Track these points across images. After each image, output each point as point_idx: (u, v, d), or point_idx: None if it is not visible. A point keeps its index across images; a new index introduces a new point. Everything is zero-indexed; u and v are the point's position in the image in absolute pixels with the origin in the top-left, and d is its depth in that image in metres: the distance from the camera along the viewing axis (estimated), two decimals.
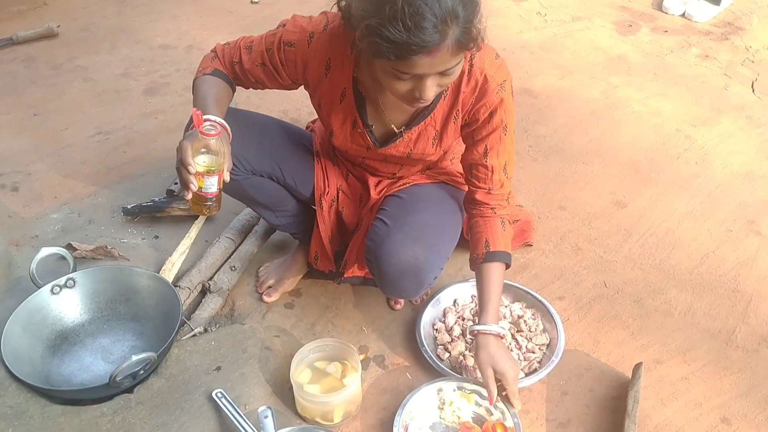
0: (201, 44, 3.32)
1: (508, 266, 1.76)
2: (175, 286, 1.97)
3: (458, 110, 1.64)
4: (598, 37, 3.42)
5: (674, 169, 2.58)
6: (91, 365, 1.84)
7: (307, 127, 2.08)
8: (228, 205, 2.36)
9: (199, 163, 1.47)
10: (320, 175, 1.91)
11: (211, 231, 2.27)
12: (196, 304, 2.04)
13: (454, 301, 2.04)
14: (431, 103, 1.57)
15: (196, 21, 3.54)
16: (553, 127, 2.81)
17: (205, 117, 1.48)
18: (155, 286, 1.91)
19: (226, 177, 1.51)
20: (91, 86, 3.05)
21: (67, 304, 1.89)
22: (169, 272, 2.07)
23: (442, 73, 1.41)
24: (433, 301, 2.00)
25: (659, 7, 3.65)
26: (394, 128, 1.71)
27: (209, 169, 1.48)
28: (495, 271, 1.72)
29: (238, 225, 2.26)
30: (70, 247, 2.09)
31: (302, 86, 1.75)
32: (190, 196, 1.50)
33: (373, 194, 1.89)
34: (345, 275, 1.97)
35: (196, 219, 2.28)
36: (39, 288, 1.85)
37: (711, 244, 2.27)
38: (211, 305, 2.02)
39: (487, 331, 1.68)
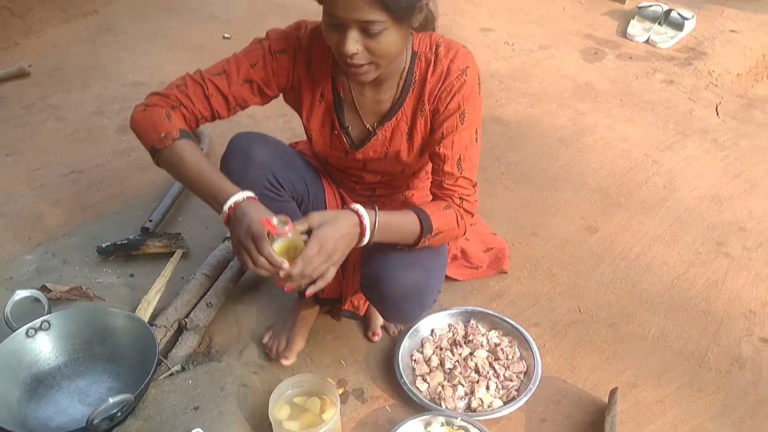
0: (171, 79, 3.33)
1: (422, 232, 1.61)
2: (151, 325, 1.97)
3: (424, 101, 1.66)
4: (565, 65, 3.49)
5: (643, 194, 2.63)
6: (67, 408, 1.82)
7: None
8: (203, 240, 2.39)
9: (276, 247, 1.45)
10: (331, 197, 1.93)
11: (187, 268, 2.27)
12: (173, 343, 2.03)
13: (432, 331, 2.06)
14: (399, 96, 1.63)
15: (169, 57, 3.56)
16: (523, 155, 2.85)
17: (266, 219, 1.41)
18: (131, 325, 1.90)
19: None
20: (64, 125, 3.05)
21: (42, 346, 1.88)
22: (145, 311, 2.07)
23: (365, 30, 1.43)
24: (410, 332, 2.02)
25: (623, 34, 3.74)
26: (369, 127, 1.73)
27: (291, 247, 1.47)
28: (410, 215, 1.61)
29: (214, 261, 2.26)
30: (44, 288, 2.08)
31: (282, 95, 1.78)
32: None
33: None
34: (344, 308, 1.98)
35: (171, 256, 2.28)
36: (14, 331, 1.84)
37: (681, 267, 2.31)
38: (188, 343, 2.01)
39: (358, 212, 1.52)
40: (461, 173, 1.66)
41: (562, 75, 3.41)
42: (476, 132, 1.67)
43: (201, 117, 1.69)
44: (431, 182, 1.73)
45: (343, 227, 1.50)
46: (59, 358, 1.90)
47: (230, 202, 1.51)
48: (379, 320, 2.05)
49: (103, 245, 2.33)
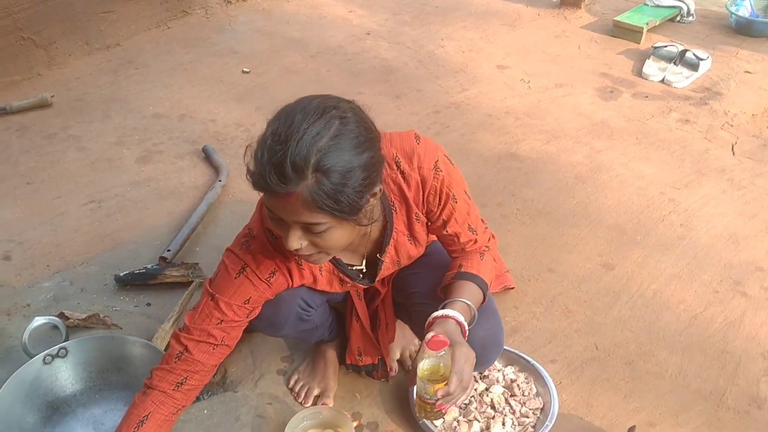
0: (193, 113, 3.39)
1: (483, 294, 1.68)
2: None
3: (416, 213, 1.64)
4: (581, 102, 3.52)
5: (659, 232, 2.63)
6: None
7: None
8: None
9: (424, 369, 1.53)
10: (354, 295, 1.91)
11: None
12: None
13: None
14: (387, 223, 1.61)
15: (189, 90, 3.61)
16: (539, 191, 2.86)
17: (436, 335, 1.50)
18: (147, 354, 1.91)
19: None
20: (84, 155, 3.09)
21: (59, 373, 1.89)
22: (162, 340, 2.07)
23: (307, 229, 1.34)
24: None
25: (639, 73, 3.77)
26: (370, 259, 1.71)
27: (438, 375, 1.53)
28: (466, 285, 1.66)
29: None
30: (62, 316, 2.09)
31: None
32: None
33: (380, 288, 1.88)
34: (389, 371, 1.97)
35: (188, 286, 2.29)
36: (31, 358, 1.85)
37: (699, 306, 2.30)
38: None
39: (445, 315, 1.57)
40: (476, 234, 1.72)
41: (578, 113, 3.43)
42: (466, 193, 1.67)
43: (215, 366, 1.62)
44: (451, 253, 1.76)
45: (459, 337, 1.56)
46: (75, 385, 1.90)
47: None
48: (396, 355, 2.04)
49: (121, 274, 2.34)
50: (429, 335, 1.51)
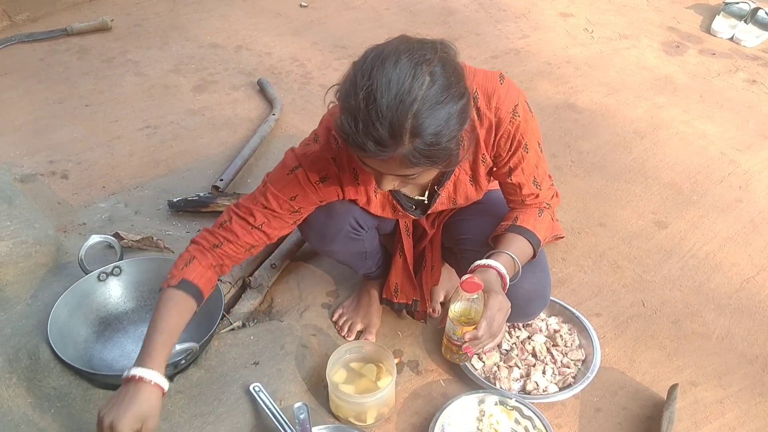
0: (250, 45, 3.38)
1: (534, 251, 1.66)
2: (218, 280, 2.00)
3: (484, 154, 1.60)
4: (645, 56, 3.41)
5: (717, 193, 2.56)
6: (132, 352, 1.87)
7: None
8: None
9: (456, 310, 1.54)
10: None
11: None
12: (236, 299, 2.07)
13: None
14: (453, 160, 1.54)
15: (246, 21, 3.60)
16: (596, 144, 2.80)
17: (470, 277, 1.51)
18: None
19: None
20: (142, 81, 3.11)
21: (112, 291, 1.94)
22: None
23: (401, 176, 1.37)
24: None
25: (707, 29, 3.63)
26: (429, 191, 1.69)
27: (469, 318, 1.54)
28: (517, 238, 1.64)
29: None
30: (117, 236, 2.14)
31: None
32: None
33: (429, 229, 1.88)
34: (422, 310, 1.97)
35: None
36: (87, 274, 1.90)
37: (751, 270, 2.25)
38: (251, 301, 2.05)
39: (488, 264, 1.57)
40: (539, 189, 1.66)
41: (641, 66, 3.33)
42: (539, 145, 1.62)
43: (250, 247, 1.63)
44: (510, 203, 1.72)
45: (497, 287, 1.55)
46: (128, 303, 1.96)
47: (135, 372, 1.41)
48: (440, 297, 2.05)
49: (175, 200, 2.38)
50: (465, 277, 1.52)
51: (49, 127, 2.81)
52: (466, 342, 1.53)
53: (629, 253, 2.30)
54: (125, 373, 1.41)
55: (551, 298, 2.04)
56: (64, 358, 1.70)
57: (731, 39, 3.58)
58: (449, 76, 1.27)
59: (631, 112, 2.99)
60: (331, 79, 3.15)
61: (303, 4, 3.77)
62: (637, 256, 2.29)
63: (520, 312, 1.77)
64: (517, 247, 1.63)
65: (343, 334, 2.00)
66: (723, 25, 3.64)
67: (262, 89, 3.07)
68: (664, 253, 2.31)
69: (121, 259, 1.97)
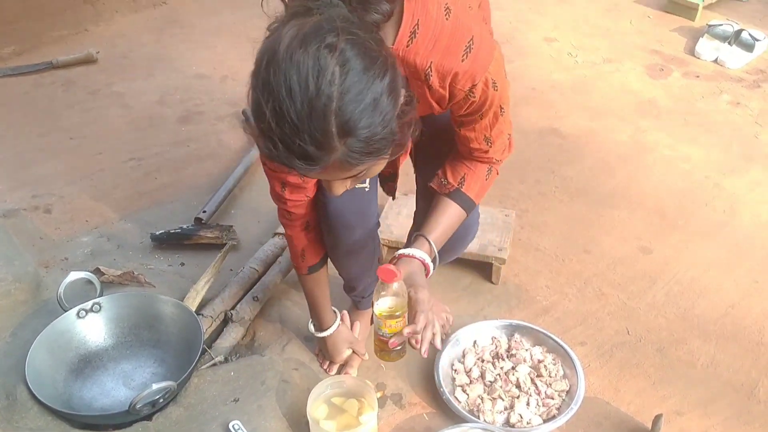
0: (236, 75, 3.39)
1: (468, 212, 1.62)
2: (198, 315, 1.99)
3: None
4: (629, 79, 3.43)
5: (702, 217, 2.56)
6: (112, 390, 1.86)
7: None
8: (254, 234, 2.42)
9: (382, 306, 1.52)
10: None
11: (236, 260, 2.30)
12: (218, 333, 2.05)
13: (474, 343, 2.04)
14: None
15: (232, 52, 3.61)
16: (580, 169, 2.81)
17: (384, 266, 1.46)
18: (179, 313, 1.93)
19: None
20: (127, 112, 3.12)
21: (92, 328, 1.92)
22: (193, 300, 2.09)
23: (351, 178, 1.24)
24: (452, 341, 2.00)
25: (691, 52, 3.65)
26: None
27: (393, 312, 1.52)
28: (453, 209, 1.59)
29: (263, 255, 2.28)
30: (98, 271, 2.13)
31: None
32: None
33: None
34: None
35: (222, 248, 2.31)
36: (65, 311, 1.89)
37: (736, 295, 2.24)
38: (233, 335, 2.04)
39: (411, 254, 1.52)
40: (490, 146, 1.52)
41: (625, 90, 3.34)
42: (501, 110, 1.44)
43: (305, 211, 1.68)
44: (459, 147, 1.58)
45: (420, 276, 1.53)
46: (107, 340, 1.94)
47: (325, 334, 1.90)
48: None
49: (157, 233, 2.37)
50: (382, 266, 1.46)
51: (33, 161, 2.80)
52: (392, 337, 1.53)
53: (614, 280, 2.30)
54: (318, 335, 1.93)
55: (534, 326, 2.03)
56: (40, 398, 1.68)
57: (715, 61, 3.60)
58: (363, 56, 1.09)
59: (615, 137, 3.00)
60: None
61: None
62: (621, 283, 2.29)
63: (449, 253, 1.82)
64: (446, 225, 1.59)
65: (324, 367, 1.99)
66: (707, 47, 3.66)
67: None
68: (648, 279, 2.30)
69: (101, 295, 1.95)
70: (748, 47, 3.61)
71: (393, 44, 1.26)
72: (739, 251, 2.41)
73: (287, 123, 1.06)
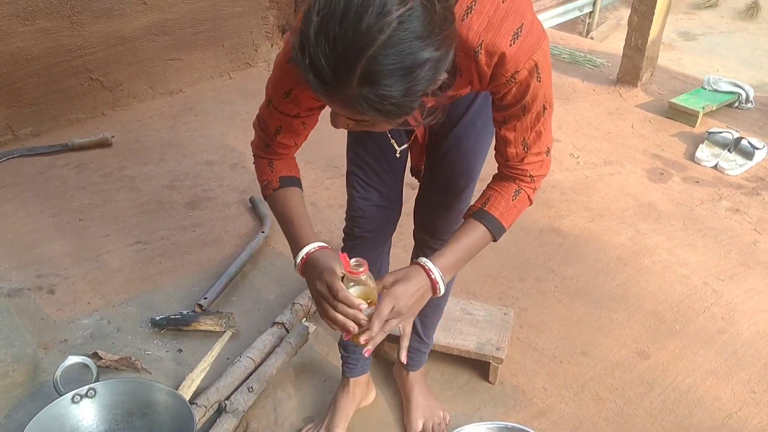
0: (245, 162, 3.47)
1: (494, 238, 1.52)
2: (192, 404, 1.99)
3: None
4: (629, 182, 3.50)
5: (699, 323, 2.57)
6: None
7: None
8: (253, 322, 2.43)
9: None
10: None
11: (234, 348, 2.31)
12: (212, 423, 2.04)
13: None
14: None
15: (243, 140, 3.71)
16: (579, 269, 2.84)
17: (343, 255, 1.38)
18: (172, 402, 1.93)
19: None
20: (136, 196, 3.18)
21: (85, 414, 1.92)
22: (188, 388, 2.10)
23: (355, 121, 1.24)
24: None
25: (691, 157, 3.73)
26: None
27: (367, 300, 1.42)
28: (476, 230, 1.50)
29: (260, 345, 2.29)
30: (95, 355, 2.14)
31: None
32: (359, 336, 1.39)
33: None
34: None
35: (221, 335, 2.32)
36: (61, 395, 1.89)
37: (734, 405, 2.23)
38: (225, 426, 2.02)
39: (425, 267, 1.43)
40: (527, 152, 1.46)
41: (625, 192, 3.41)
42: (543, 110, 1.42)
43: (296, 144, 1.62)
44: (495, 154, 1.53)
45: (415, 285, 1.42)
46: (100, 426, 1.94)
47: (302, 254, 1.47)
48: (418, 426, 2.06)
49: (157, 318, 2.39)
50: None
51: (40, 240, 2.85)
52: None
53: (611, 384, 2.29)
54: (296, 262, 1.48)
55: (529, 430, 2.00)
56: None
57: (715, 167, 3.67)
58: (426, 23, 1.09)
59: (614, 238, 3.04)
60: (322, 196, 3.23)
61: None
62: (618, 388, 2.28)
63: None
64: (467, 242, 1.50)
65: None
66: (707, 153, 3.74)
67: (253, 206, 3.13)
68: (646, 385, 2.29)
69: (97, 380, 1.97)
70: (748, 155, 3.69)
71: None
72: (737, 360, 2.41)
73: (323, 38, 1.06)
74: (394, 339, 2.16)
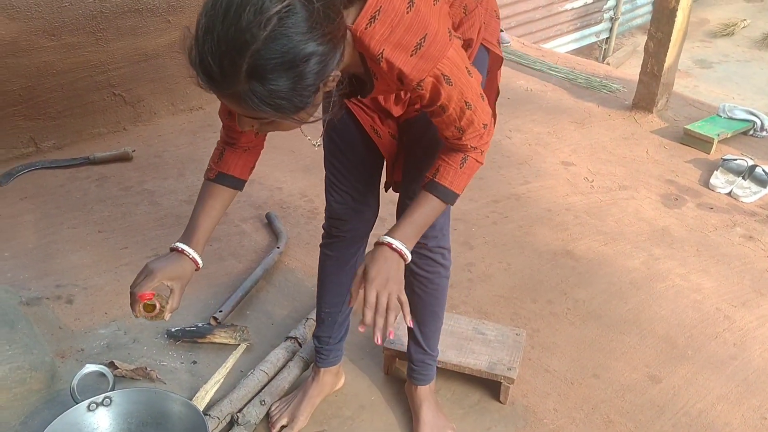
0: (262, 179, 3.52)
1: (448, 204, 1.61)
2: (205, 415, 2.01)
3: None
4: (643, 207, 3.51)
5: (711, 349, 2.57)
6: None
7: None
8: (267, 336, 2.46)
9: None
10: (357, 111, 1.79)
11: (248, 362, 2.34)
12: None
13: None
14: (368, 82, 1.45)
15: (261, 156, 3.75)
16: (592, 293, 2.85)
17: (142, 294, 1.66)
18: (186, 413, 1.95)
19: (166, 317, 1.70)
20: (155, 210, 3.23)
21: (101, 422, 1.94)
22: (201, 400, 2.12)
23: (257, 120, 1.29)
24: None
25: (705, 184, 3.75)
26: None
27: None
28: (429, 201, 1.58)
29: (274, 359, 2.31)
30: (112, 365, 2.17)
31: None
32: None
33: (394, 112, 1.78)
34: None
35: (235, 348, 2.35)
36: (77, 403, 1.92)
37: (744, 431, 2.22)
38: None
39: (383, 242, 1.52)
40: (462, 134, 1.52)
41: (639, 217, 3.42)
42: (466, 104, 1.46)
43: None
44: (439, 135, 1.59)
45: (381, 260, 1.51)
46: None
47: (178, 244, 1.70)
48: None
49: (173, 329, 2.42)
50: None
51: (60, 251, 2.90)
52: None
53: (622, 407, 2.29)
54: (172, 245, 1.68)
55: None
56: None
57: (729, 194, 3.68)
58: (307, 20, 1.16)
59: (627, 263, 3.05)
60: None
61: (315, 143, 3.94)
62: (629, 411, 2.28)
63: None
64: (422, 211, 1.57)
65: (272, 428, 2.10)
66: (721, 180, 3.75)
67: (270, 222, 3.17)
68: (657, 409, 2.29)
69: (113, 388, 1.99)
70: (762, 182, 3.70)
71: (353, 24, 1.30)
72: (748, 386, 2.41)
73: (210, 38, 1.14)
74: (405, 356, 2.18)
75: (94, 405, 1.94)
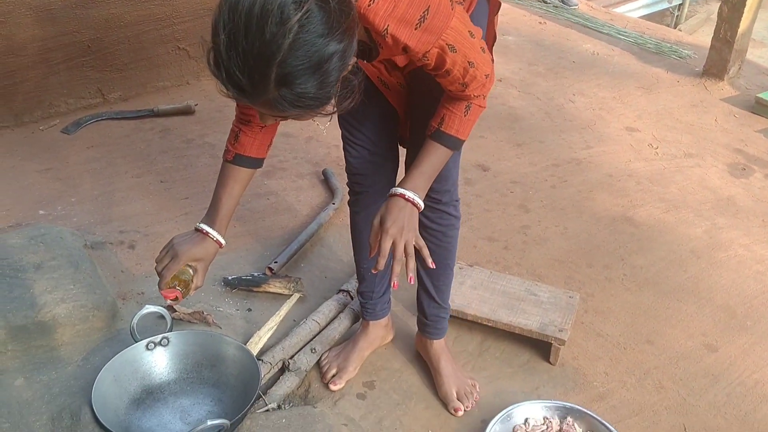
0: (320, 136, 3.54)
1: (455, 149, 1.65)
2: (258, 360, 2.06)
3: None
4: (709, 175, 3.41)
5: None
6: (168, 423, 1.93)
7: None
8: (320, 288, 2.49)
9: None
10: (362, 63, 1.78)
11: (300, 312, 2.37)
12: (274, 380, 2.12)
13: (525, 420, 2.03)
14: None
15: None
16: (650, 260, 2.79)
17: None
18: (240, 356, 2.00)
19: (191, 293, 1.81)
20: (216, 162, 3.28)
21: (158, 361, 2.01)
22: (255, 345, 2.17)
23: (278, 117, 1.34)
24: (503, 416, 2.00)
25: None
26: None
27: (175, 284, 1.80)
28: (437, 150, 1.62)
29: (326, 309, 2.35)
30: (170, 308, 2.23)
31: None
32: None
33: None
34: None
35: (289, 298, 2.39)
36: (136, 342, 1.99)
37: None
38: (288, 383, 2.09)
39: (396, 193, 1.58)
40: (466, 88, 1.55)
41: (703, 185, 3.32)
42: (470, 63, 1.49)
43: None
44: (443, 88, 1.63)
45: (395, 210, 1.56)
46: (171, 374, 2.02)
47: (202, 226, 1.81)
48: (453, 395, 2.10)
49: (230, 278, 2.48)
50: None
51: (124, 199, 2.98)
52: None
53: (675, 374, 2.26)
54: (196, 225, 1.79)
55: (588, 411, 2.01)
56: (103, 422, 1.76)
57: None
58: (325, 21, 1.19)
59: (689, 231, 2.98)
60: None
61: (323, 127, 3.93)
62: (683, 378, 2.24)
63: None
64: (430, 160, 1.62)
65: (323, 379, 2.15)
66: None
67: (326, 179, 3.19)
68: (711, 377, 2.25)
69: (170, 330, 2.05)
70: None
71: (356, 1, 1.32)
72: None
73: (235, 53, 1.17)
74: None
75: (153, 344, 2.00)
